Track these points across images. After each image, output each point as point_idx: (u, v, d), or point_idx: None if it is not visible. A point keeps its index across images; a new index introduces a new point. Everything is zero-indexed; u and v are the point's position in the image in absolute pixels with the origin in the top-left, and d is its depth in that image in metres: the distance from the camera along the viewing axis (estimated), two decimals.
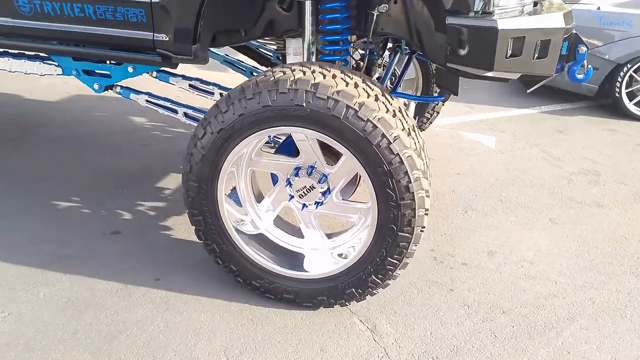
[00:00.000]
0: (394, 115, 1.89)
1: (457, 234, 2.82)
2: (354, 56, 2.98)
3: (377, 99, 1.89)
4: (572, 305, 2.32)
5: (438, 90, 3.49)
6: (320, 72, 1.89)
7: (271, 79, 1.89)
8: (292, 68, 1.94)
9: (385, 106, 1.89)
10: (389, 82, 3.10)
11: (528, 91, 2.41)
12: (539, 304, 2.31)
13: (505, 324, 2.18)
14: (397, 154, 1.83)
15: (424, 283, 2.41)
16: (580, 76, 2.30)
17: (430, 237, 2.77)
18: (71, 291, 2.18)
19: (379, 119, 1.82)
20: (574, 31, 2.24)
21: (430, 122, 3.79)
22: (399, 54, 3.03)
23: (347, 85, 1.86)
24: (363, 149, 1.85)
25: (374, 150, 1.84)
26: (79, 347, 1.91)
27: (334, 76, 1.89)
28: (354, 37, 2.75)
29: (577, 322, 2.21)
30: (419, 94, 3.66)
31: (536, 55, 2.02)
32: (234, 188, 2.16)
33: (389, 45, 3.12)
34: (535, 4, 2.22)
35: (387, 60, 3.10)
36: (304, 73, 1.89)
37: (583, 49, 2.24)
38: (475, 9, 1.88)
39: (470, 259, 2.61)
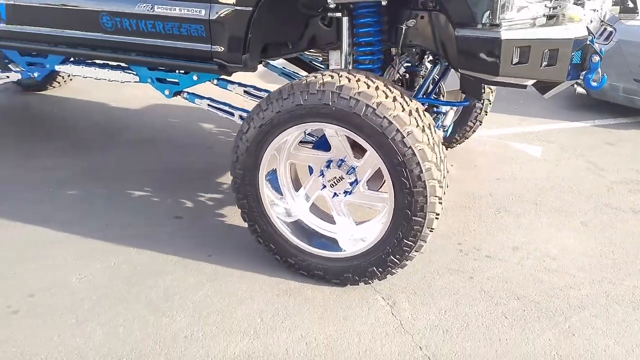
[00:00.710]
0: (410, 114, 2.17)
1: (486, 232, 3.01)
2: (398, 70, 3.25)
3: (394, 99, 2.17)
4: (586, 296, 2.46)
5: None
6: (345, 77, 2.21)
7: (304, 82, 2.23)
8: (323, 73, 2.27)
9: (402, 106, 2.16)
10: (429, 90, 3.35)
11: (544, 96, 2.56)
12: (553, 293, 2.47)
13: (517, 308, 2.37)
14: (410, 147, 2.10)
15: (446, 270, 2.63)
16: (594, 83, 2.46)
17: (460, 233, 2.98)
18: (136, 262, 2.59)
19: (394, 116, 2.11)
20: (588, 42, 2.41)
21: (474, 130, 3.97)
22: (438, 66, 3.29)
23: (368, 88, 2.16)
24: (380, 143, 2.14)
25: (389, 143, 2.12)
26: (140, 304, 2.30)
27: (357, 80, 2.19)
28: (394, 51, 3.04)
29: (588, 311, 2.36)
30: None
31: (544, 63, 2.23)
32: (274, 170, 2.49)
33: (429, 57, 3.38)
34: (551, 18, 2.42)
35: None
36: (332, 77, 2.21)
37: (596, 58, 2.40)
38: (482, 22, 2.13)
39: (494, 253, 2.80)
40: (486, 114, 3.92)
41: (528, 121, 4.96)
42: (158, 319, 2.22)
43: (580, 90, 5.18)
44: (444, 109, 3.34)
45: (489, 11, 2.12)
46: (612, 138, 4.56)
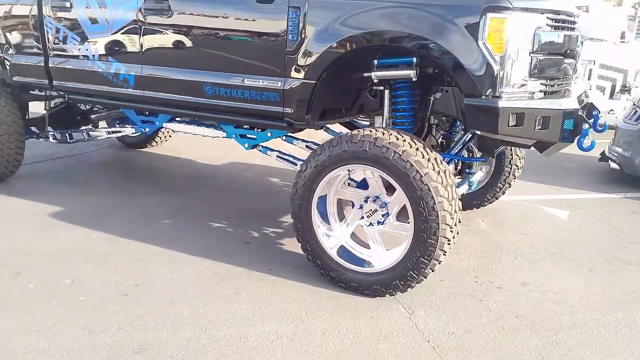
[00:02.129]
0: (428, 161, 2.85)
1: (501, 271, 3.55)
2: (436, 136, 3.97)
3: (417, 149, 2.88)
4: (577, 320, 2.95)
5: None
6: (381, 132, 2.95)
7: (349, 135, 2.99)
8: (364, 129, 3.03)
9: (422, 154, 2.86)
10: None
11: (544, 154, 3.17)
12: (548, 316, 2.98)
13: (515, 322, 2.89)
14: (426, 184, 2.78)
15: (460, 294, 3.19)
16: (586, 145, 3.08)
17: (478, 269, 3.53)
18: (214, 270, 3.33)
19: (415, 160, 2.81)
20: (580, 112, 3.05)
21: (503, 192, 4.54)
22: (469, 133, 3.99)
23: (397, 140, 2.89)
24: (404, 181, 2.83)
25: (411, 181, 2.81)
26: (215, 296, 3.02)
27: (390, 134, 2.92)
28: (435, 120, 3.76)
29: (576, 330, 2.85)
30: (492, 169, 4.48)
31: (538, 127, 2.90)
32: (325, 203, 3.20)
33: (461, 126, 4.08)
34: (552, 93, 3.09)
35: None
36: (370, 132, 2.96)
37: (586, 125, 3.04)
38: (486, 94, 2.84)
39: (505, 285, 3.33)
40: (514, 178, 4.50)
41: (562, 190, 5.46)
42: (228, 306, 2.92)
43: (613, 165, 5.67)
44: (473, 169, 4.01)
45: (490, 86, 2.83)
46: (639, 208, 4.98)
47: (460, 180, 3.89)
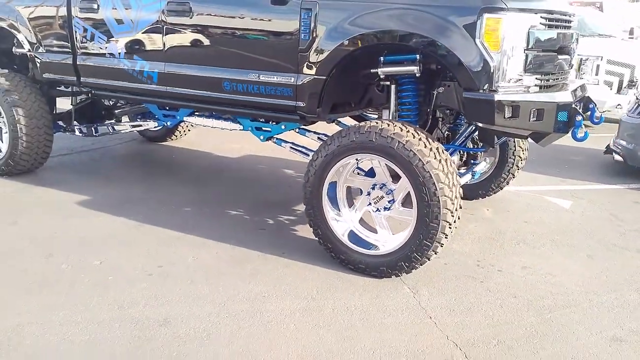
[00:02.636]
0: (430, 150, 3.06)
1: (503, 256, 3.74)
2: (442, 128, 4.17)
3: (420, 140, 3.09)
4: (572, 300, 3.14)
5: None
6: (386, 123, 3.16)
7: (357, 126, 3.21)
8: (371, 122, 3.24)
9: (425, 144, 3.07)
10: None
11: (540, 144, 3.36)
12: (545, 296, 3.18)
13: (513, 302, 3.09)
14: (428, 171, 2.99)
15: (462, 276, 3.40)
16: (580, 136, 3.26)
17: (480, 254, 3.73)
18: (232, 253, 3.57)
19: (417, 150, 3.02)
20: (574, 105, 3.24)
21: (507, 182, 4.72)
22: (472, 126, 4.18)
23: (401, 131, 3.10)
24: (407, 168, 3.04)
25: (414, 169, 3.02)
26: (233, 276, 3.26)
27: (394, 126, 3.14)
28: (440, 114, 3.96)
29: (570, 309, 3.04)
30: (496, 160, 4.67)
31: (533, 118, 3.10)
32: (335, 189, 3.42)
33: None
34: (548, 87, 3.28)
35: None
36: (376, 123, 3.18)
37: (579, 117, 3.22)
38: (483, 88, 3.03)
39: (505, 269, 3.53)
40: (518, 169, 4.68)
41: (567, 182, 5.61)
42: (245, 285, 3.17)
43: (617, 157, 5.81)
44: (478, 159, 4.21)
45: (487, 81, 3.03)
46: None
47: (465, 170, 4.10)
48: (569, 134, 3.30)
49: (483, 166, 4.31)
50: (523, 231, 4.19)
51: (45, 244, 3.67)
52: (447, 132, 4.15)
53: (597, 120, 3.48)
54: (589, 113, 3.57)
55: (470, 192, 4.71)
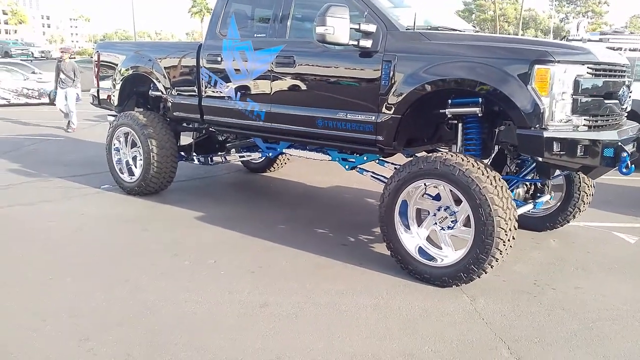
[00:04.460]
0: (487, 177, 3.62)
1: (559, 278, 4.14)
2: (509, 163, 4.68)
3: (478, 168, 3.66)
4: (617, 316, 3.49)
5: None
6: (450, 154, 3.78)
7: (425, 157, 3.86)
8: (437, 153, 3.88)
9: (482, 172, 3.64)
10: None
11: (588, 176, 3.78)
12: (592, 310, 3.56)
13: (560, 313, 3.51)
14: (484, 195, 3.55)
15: (518, 290, 3.86)
16: (625, 171, 3.67)
17: (539, 275, 4.15)
18: (316, 262, 4.28)
19: (475, 176, 3.60)
20: (620, 143, 3.67)
21: (574, 216, 5.06)
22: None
23: (462, 160, 3.70)
24: (467, 192, 3.62)
25: (472, 192, 3.59)
26: (317, 278, 3.95)
27: (457, 157, 3.74)
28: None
29: (612, 321, 3.41)
30: (563, 194, 5.06)
31: (580, 153, 3.58)
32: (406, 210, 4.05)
33: None
34: (597, 127, 3.75)
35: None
36: (442, 154, 3.80)
37: (624, 154, 3.64)
38: (534, 126, 3.57)
39: (559, 288, 3.93)
40: (584, 204, 5.02)
41: (639, 220, 5.81)
42: (328, 284, 3.85)
43: None
44: (544, 192, 4.67)
45: (538, 121, 3.57)
46: None
47: (528, 200, 4.57)
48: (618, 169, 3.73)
49: (546, 198, 4.74)
50: (583, 260, 4.54)
51: (171, 246, 4.59)
52: (515, 167, 4.67)
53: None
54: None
55: (539, 224, 5.14)
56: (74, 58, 17.14)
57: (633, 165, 3.69)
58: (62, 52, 12.77)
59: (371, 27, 4.16)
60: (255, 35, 5.23)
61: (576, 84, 3.57)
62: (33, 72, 17.86)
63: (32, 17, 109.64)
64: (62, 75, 11.77)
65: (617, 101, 3.86)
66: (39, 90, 16.72)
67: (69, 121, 11.76)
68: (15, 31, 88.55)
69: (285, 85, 4.82)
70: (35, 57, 28.41)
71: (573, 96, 3.58)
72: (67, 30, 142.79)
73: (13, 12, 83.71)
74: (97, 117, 13.63)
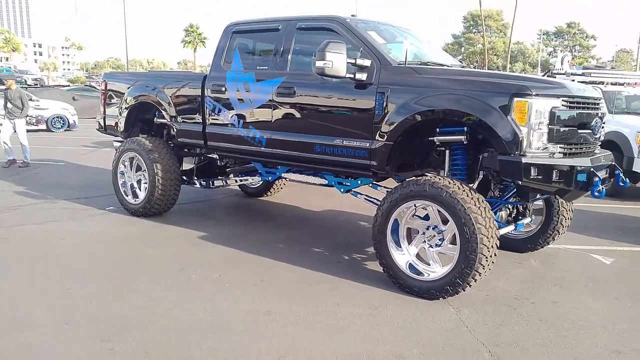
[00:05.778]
0: (472, 199, 4.00)
1: (538, 293, 4.48)
2: (493, 187, 5.07)
3: (464, 190, 4.04)
4: (589, 326, 3.84)
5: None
6: (438, 178, 4.16)
7: (415, 180, 4.23)
8: (426, 177, 4.25)
9: (467, 194, 4.01)
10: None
11: (564, 199, 4.17)
12: (567, 320, 3.90)
13: (538, 323, 3.85)
14: (469, 214, 3.92)
15: (500, 304, 4.19)
16: (597, 194, 4.06)
17: (519, 291, 4.49)
18: (313, 277, 4.60)
19: (461, 198, 3.97)
20: (592, 169, 4.07)
21: (553, 238, 5.43)
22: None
23: (449, 184, 4.07)
24: (453, 212, 3.98)
25: (457, 212, 3.96)
26: (315, 291, 4.26)
27: (444, 180, 4.12)
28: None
29: (584, 330, 3.76)
30: (543, 218, 5.45)
31: (556, 177, 3.97)
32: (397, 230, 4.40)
33: None
34: (572, 154, 4.15)
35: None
36: (430, 178, 4.18)
37: (596, 179, 4.04)
38: (514, 153, 3.97)
39: (537, 301, 4.28)
40: (563, 227, 5.40)
41: (616, 244, 6.17)
42: (325, 296, 4.17)
43: None
44: (525, 216, 5.05)
45: (517, 148, 3.97)
46: None
47: (509, 222, 4.95)
48: (590, 193, 4.12)
49: (527, 220, 5.12)
50: (561, 278, 4.90)
51: (177, 262, 4.89)
52: (498, 192, 5.06)
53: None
54: (612, 179, 4.38)
55: (521, 246, 5.52)
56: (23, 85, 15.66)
57: (604, 189, 4.08)
58: (7, 80, 11.13)
59: (366, 62, 4.59)
60: (257, 67, 5.64)
61: (552, 115, 3.99)
62: (31, 99, 18.18)
63: (24, 44, 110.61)
64: (9, 105, 10.36)
65: (590, 131, 4.28)
66: (36, 117, 17.05)
67: (11, 158, 10.29)
68: (7, 59, 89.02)
69: (285, 113, 5.21)
70: (29, 85, 28.75)
71: (549, 126, 3.99)
72: (60, 58, 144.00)
73: (6, 40, 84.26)
74: (95, 144, 13.97)
